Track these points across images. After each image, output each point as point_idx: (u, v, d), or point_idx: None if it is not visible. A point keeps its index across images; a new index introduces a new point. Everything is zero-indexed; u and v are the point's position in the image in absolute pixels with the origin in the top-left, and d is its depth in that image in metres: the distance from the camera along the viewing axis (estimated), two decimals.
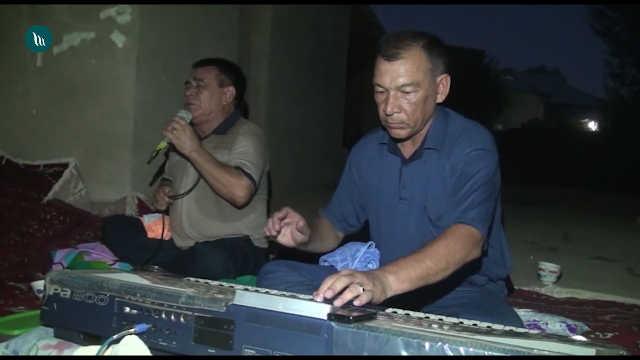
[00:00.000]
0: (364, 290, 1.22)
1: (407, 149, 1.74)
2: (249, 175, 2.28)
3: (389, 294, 1.31)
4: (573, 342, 1.12)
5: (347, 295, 1.19)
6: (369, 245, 1.89)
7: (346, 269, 1.84)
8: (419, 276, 1.37)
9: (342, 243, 2.00)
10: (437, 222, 1.67)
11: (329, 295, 1.20)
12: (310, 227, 1.73)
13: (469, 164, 1.60)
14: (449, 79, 1.66)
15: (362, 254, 1.86)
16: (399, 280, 1.33)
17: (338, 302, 1.18)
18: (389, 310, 1.33)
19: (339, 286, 1.20)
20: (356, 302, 1.21)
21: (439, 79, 1.63)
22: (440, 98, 1.66)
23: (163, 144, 2.26)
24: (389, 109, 1.59)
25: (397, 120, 1.61)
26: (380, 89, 1.61)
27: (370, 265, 1.87)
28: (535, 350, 0.96)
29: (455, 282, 1.66)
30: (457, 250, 1.45)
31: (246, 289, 1.39)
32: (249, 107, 4.77)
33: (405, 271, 1.35)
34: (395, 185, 1.74)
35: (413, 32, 1.61)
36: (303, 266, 1.77)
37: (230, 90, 2.44)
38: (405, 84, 1.57)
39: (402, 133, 1.65)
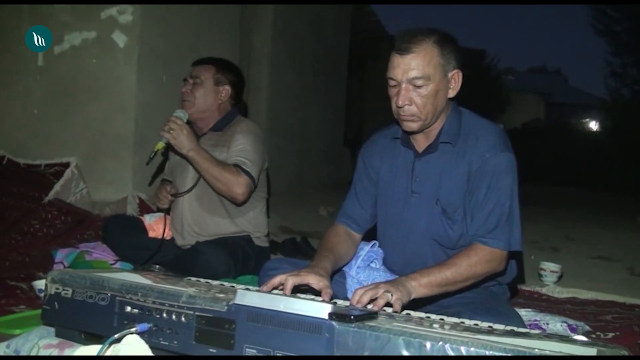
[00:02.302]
0: (391, 296, 1.35)
1: (420, 143, 1.76)
2: (247, 173, 2.29)
3: (413, 296, 1.46)
4: (574, 342, 1.12)
5: (380, 302, 1.32)
6: (372, 245, 1.89)
7: (349, 268, 1.85)
8: (438, 284, 1.52)
9: None
10: (452, 215, 1.70)
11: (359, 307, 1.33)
12: (324, 249, 1.73)
13: (487, 169, 1.65)
14: (460, 74, 1.69)
15: (366, 252, 1.86)
16: (420, 285, 1.48)
17: (375, 309, 1.30)
18: (390, 310, 1.34)
19: (365, 299, 1.34)
20: (392, 310, 1.34)
21: (450, 74, 1.67)
22: (451, 93, 1.70)
23: (161, 145, 2.27)
24: (400, 101, 1.63)
25: (408, 113, 1.65)
26: (393, 82, 1.65)
27: (372, 265, 1.87)
28: (536, 350, 0.96)
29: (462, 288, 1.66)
30: (478, 268, 1.58)
31: (247, 289, 1.39)
32: (250, 107, 4.77)
33: (426, 278, 1.50)
34: (408, 179, 1.77)
35: (426, 28, 1.66)
36: (306, 264, 1.76)
37: (226, 89, 2.45)
38: (416, 77, 1.61)
39: (413, 126, 1.68)
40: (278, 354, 1.10)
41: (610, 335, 1.99)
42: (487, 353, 0.97)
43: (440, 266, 1.55)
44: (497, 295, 1.79)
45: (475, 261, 1.57)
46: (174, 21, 3.62)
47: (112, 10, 3.34)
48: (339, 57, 6.97)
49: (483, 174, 1.65)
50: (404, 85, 1.62)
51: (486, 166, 1.65)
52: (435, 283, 1.50)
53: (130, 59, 3.35)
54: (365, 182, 1.88)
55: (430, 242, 1.75)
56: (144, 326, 1.23)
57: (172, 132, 2.23)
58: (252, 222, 2.45)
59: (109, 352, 1.13)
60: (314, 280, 1.46)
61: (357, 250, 1.87)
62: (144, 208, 3.24)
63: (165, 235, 2.43)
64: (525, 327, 1.51)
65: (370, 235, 1.93)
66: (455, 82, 1.69)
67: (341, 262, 1.79)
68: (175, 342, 1.22)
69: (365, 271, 1.85)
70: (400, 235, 1.80)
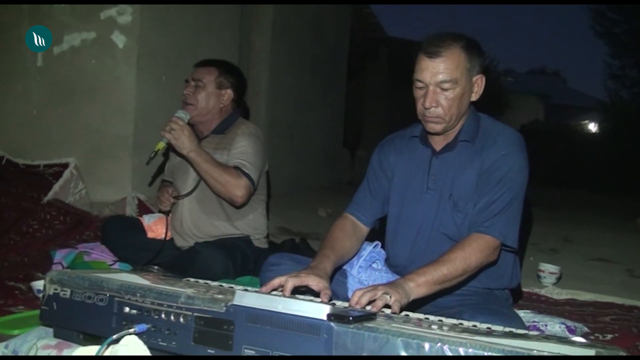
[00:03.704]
0: (390, 297, 1.35)
1: (439, 143, 1.80)
2: (247, 175, 2.29)
3: (412, 297, 1.46)
4: (573, 343, 1.12)
5: (379, 304, 1.33)
6: (375, 245, 1.89)
7: (351, 267, 1.85)
8: (435, 282, 1.52)
9: None
10: (462, 208, 1.72)
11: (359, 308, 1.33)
12: (327, 247, 1.73)
13: (501, 165, 1.69)
14: (484, 79, 1.74)
15: (368, 253, 1.86)
16: (417, 285, 1.48)
17: (374, 310, 1.31)
18: (388, 311, 1.34)
19: (364, 301, 1.35)
20: (391, 311, 1.34)
21: (475, 78, 1.72)
22: (474, 97, 1.75)
23: (161, 145, 2.26)
24: (427, 103, 1.68)
25: (433, 115, 1.69)
26: (420, 84, 1.70)
27: (374, 265, 1.87)
28: (534, 352, 0.96)
29: (460, 285, 1.67)
30: (473, 259, 1.58)
31: (246, 290, 1.39)
32: (250, 108, 4.77)
33: (423, 277, 1.50)
34: (424, 176, 1.80)
35: (454, 33, 1.72)
36: (308, 261, 1.76)
37: (228, 93, 2.44)
38: (444, 80, 1.66)
39: (437, 127, 1.72)
40: (276, 355, 1.10)
41: (609, 336, 1.99)
42: (485, 354, 0.97)
43: (436, 263, 1.55)
44: (499, 298, 1.80)
45: (469, 252, 1.58)
46: (174, 22, 3.62)
47: (112, 10, 3.34)
48: (338, 59, 6.97)
49: (496, 169, 1.69)
50: (431, 88, 1.67)
51: (501, 162, 1.69)
52: (433, 281, 1.51)
53: (130, 60, 3.35)
54: (380, 176, 1.90)
55: (440, 237, 1.76)
56: (143, 327, 1.23)
57: (173, 132, 2.23)
58: (252, 225, 2.45)
59: (108, 353, 1.13)
60: (313, 282, 1.47)
61: (360, 250, 1.87)
62: (143, 209, 3.24)
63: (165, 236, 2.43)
64: (525, 328, 1.51)
65: (373, 236, 1.93)
66: (478, 86, 1.74)
67: (344, 259, 1.80)
68: (174, 342, 1.22)
69: (367, 271, 1.85)
70: (411, 231, 1.81)
